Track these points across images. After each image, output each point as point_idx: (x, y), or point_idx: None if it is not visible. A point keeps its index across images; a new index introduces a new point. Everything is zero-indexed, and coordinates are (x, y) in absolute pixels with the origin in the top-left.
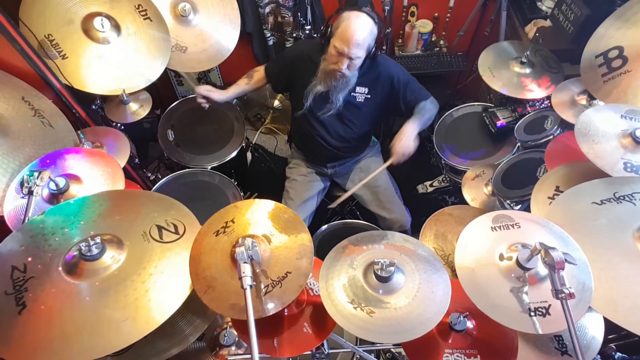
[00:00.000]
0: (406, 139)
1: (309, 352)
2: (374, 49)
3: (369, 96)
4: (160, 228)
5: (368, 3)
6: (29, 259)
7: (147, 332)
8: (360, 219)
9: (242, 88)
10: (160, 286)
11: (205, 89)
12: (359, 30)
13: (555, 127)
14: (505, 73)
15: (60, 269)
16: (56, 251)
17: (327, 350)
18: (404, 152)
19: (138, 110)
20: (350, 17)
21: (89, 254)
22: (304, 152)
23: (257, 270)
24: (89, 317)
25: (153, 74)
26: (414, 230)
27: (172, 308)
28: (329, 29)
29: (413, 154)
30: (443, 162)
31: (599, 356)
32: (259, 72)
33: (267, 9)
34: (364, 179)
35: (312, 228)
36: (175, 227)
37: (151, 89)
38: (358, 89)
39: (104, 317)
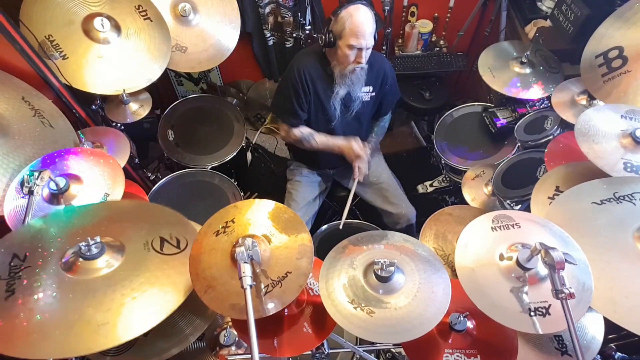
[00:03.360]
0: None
1: (309, 352)
2: (376, 35)
3: (373, 94)
4: (163, 240)
5: (368, 3)
6: (28, 254)
7: (122, 342)
8: (360, 219)
9: (322, 135)
10: (148, 297)
11: (362, 150)
12: (366, 20)
13: (555, 127)
14: (505, 73)
15: (58, 263)
16: (58, 247)
17: (327, 350)
18: (365, 170)
19: (138, 110)
20: (352, 13)
21: (88, 253)
22: (308, 160)
23: (257, 270)
24: (71, 314)
25: (153, 74)
26: (416, 230)
27: (153, 322)
28: (331, 35)
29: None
30: (443, 162)
31: (599, 356)
32: (295, 129)
33: (267, 9)
34: (365, 177)
35: (313, 228)
36: (178, 241)
37: (151, 89)
38: (364, 88)
39: (85, 316)
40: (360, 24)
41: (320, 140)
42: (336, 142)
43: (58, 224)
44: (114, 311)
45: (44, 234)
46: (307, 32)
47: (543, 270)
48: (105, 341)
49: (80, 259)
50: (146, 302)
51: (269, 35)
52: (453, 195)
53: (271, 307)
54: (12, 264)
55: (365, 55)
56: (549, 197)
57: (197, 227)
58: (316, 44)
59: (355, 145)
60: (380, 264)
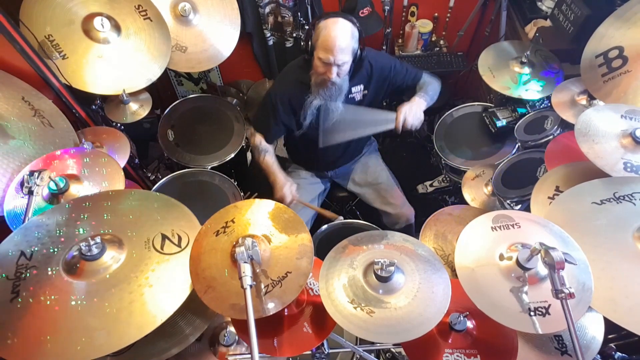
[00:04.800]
0: (416, 106)
1: (309, 352)
2: (359, 52)
3: (366, 92)
4: (164, 237)
5: (368, 3)
6: (35, 248)
7: (117, 348)
8: (360, 219)
9: (275, 158)
10: (146, 299)
11: (292, 194)
12: (340, 36)
13: (555, 127)
14: (505, 73)
15: (59, 266)
16: (62, 245)
17: (327, 350)
18: (407, 116)
19: (138, 110)
20: (327, 25)
21: (89, 254)
22: (304, 163)
23: (257, 270)
24: (70, 320)
25: (153, 74)
26: (415, 230)
27: (150, 327)
28: (310, 43)
29: (407, 152)
30: (443, 162)
31: (599, 356)
32: (263, 140)
33: (267, 9)
34: (363, 178)
35: (313, 229)
36: (180, 239)
37: (151, 89)
38: (354, 88)
39: (82, 323)
40: (332, 39)
41: (267, 162)
42: (275, 175)
43: (61, 218)
44: (111, 317)
45: (49, 230)
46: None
47: (543, 270)
48: (101, 348)
49: (82, 260)
50: (143, 306)
51: (269, 35)
52: (453, 195)
53: (271, 307)
54: (19, 262)
55: (337, 71)
56: (549, 197)
57: (198, 227)
58: (301, 57)
59: (286, 190)
60: (380, 264)
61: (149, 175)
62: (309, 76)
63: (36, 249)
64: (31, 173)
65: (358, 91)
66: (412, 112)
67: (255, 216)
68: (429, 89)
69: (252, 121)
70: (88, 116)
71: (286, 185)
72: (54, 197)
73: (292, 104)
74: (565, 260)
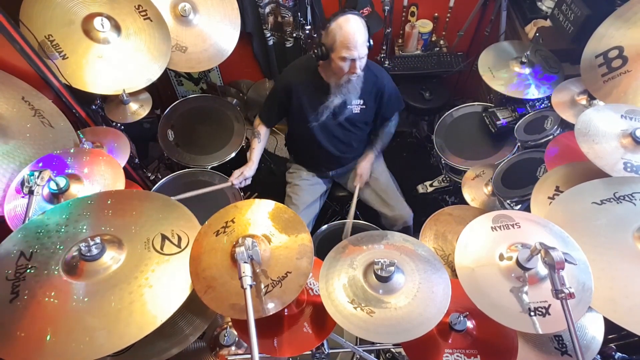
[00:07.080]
0: (370, 164)
1: (309, 352)
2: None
3: (364, 107)
4: (164, 237)
5: (368, 3)
6: (35, 249)
7: (118, 348)
8: (360, 219)
9: (260, 147)
10: (146, 300)
11: (237, 178)
12: (357, 31)
13: (555, 127)
14: (505, 73)
15: (59, 266)
16: (62, 245)
17: (327, 350)
18: (366, 177)
19: (138, 110)
20: (341, 24)
21: (88, 254)
22: (306, 162)
23: (257, 270)
24: (70, 320)
25: (153, 74)
26: (415, 230)
27: (150, 327)
28: (322, 48)
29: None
30: (443, 162)
31: (599, 356)
32: (261, 125)
33: (267, 9)
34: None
35: (314, 229)
36: (179, 239)
37: (151, 89)
38: (354, 101)
39: (83, 322)
40: (351, 35)
41: (251, 146)
42: (248, 159)
43: (62, 218)
44: (112, 316)
45: (49, 230)
46: (307, 32)
47: (543, 270)
48: (102, 348)
49: (82, 261)
50: (144, 305)
51: (269, 35)
52: (453, 195)
53: (271, 307)
54: (18, 263)
55: (359, 64)
56: (549, 197)
57: (198, 227)
58: (307, 55)
59: (235, 172)
60: (380, 264)
61: (149, 175)
62: (325, 81)
63: (36, 249)
64: (31, 173)
65: (357, 104)
66: (368, 171)
67: (255, 216)
68: (385, 138)
69: (261, 111)
70: (88, 116)
71: (238, 171)
72: (54, 197)
73: (298, 96)
74: (565, 260)
